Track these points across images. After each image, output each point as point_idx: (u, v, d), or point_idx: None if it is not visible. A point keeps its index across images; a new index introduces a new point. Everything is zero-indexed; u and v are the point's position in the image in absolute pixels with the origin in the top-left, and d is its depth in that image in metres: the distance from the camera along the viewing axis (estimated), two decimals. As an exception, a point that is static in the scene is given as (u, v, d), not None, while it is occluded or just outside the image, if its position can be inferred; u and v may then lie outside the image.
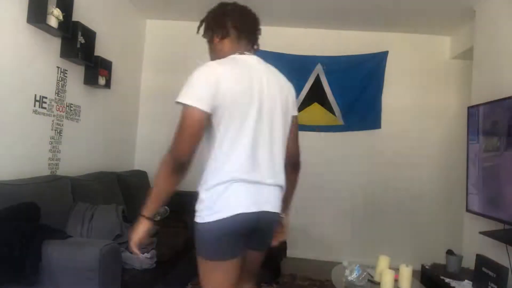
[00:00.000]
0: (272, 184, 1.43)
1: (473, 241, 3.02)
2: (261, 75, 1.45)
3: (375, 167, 4.23)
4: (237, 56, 1.45)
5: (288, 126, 1.53)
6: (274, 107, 1.45)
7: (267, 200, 1.41)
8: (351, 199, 4.25)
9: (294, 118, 1.60)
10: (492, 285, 2.19)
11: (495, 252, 2.60)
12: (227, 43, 1.50)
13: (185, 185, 3.96)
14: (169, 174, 1.34)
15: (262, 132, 1.39)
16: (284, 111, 1.50)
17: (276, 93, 1.48)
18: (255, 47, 1.60)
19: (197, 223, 1.38)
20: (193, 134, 1.30)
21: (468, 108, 3.09)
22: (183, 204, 3.71)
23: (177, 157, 1.31)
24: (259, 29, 1.59)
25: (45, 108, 2.72)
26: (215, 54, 1.53)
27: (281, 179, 1.47)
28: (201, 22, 1.59)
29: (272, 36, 4.34)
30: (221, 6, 1.53)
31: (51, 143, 2.83)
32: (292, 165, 1.60)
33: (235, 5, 1.54)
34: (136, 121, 4.42)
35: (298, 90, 4.27)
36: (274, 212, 1.44)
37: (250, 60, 1.47)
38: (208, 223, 1.34)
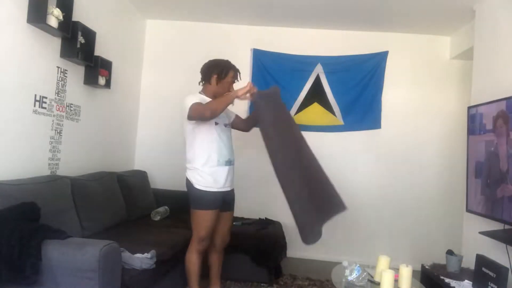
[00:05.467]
0: None
1: (473, 241, 3.02)
2: None
3: (375, 167, 4.23)
4: None
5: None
6: None
7: None
8: (351, 199, 4.22)
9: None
10: (492, 285, 2.19)
11: (495, 252, 2.60)
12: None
13: (185, 187, 3.92)
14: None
15: None
16: None
17: None
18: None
19: None
20: None
21: (468, 108, 3.09)
22: (183, 204, 3.74)
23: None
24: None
25: (45, 108, 2.72)
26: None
27: None
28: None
29: (272, 36, 4.36)
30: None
31: (51, 143, 2.83)
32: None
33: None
34: (136, 121, 4.42)
35: (298, 90, 4.27)
36: None
37: None
38: None
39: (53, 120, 2.82)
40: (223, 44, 4.36)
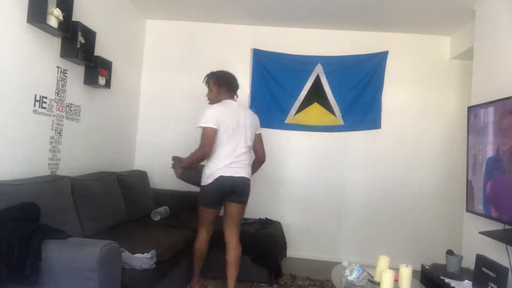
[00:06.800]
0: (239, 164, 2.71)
1: (473, 241, 3.03)
2: (239, 111, 2.77)
3: (375, 167, 4.23)
4: (227, 101, 2.79)
5: (252, 137, 2.82)
6: (244, 127, 2.75)
7: (235, 171, 2.69)
8: (351, 199, 4.26)
9: (258, 134, 2.91)
10: (492, 285, 2.19)
11: (495, 252, 2.60)
12: (220, 93, 2.82)
13: (185, 187, 3.95)
14: (198, 159, 2.72)
15: (237, 139, 2.71)
16: (250, 130, 2.79)
17: (246, 120, 2.78)
18: (235, 97, 2.89)
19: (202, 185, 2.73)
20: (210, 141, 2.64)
21: (468, 108, 3.09)
22: (182, 204, 3.74)
23: (203, 153, 2.67)
24: (236, 85, 2.89)
25: (45, 108, 2.72)
26: (213, 98, 2.85)
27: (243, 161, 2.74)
28: (206, 77, 2.89)
29: (272, 36, 4.36)
30: (217, 72, 2.89)
31: (51, 143, 2.83)
32: (258, 159, 2.97)
33: (223, 72, 2.90)
34: (136, 121, 4.42)
35: (298, 90, 4.28)
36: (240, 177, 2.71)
37: (233, 103, 2.80)
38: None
39: (53, 120, 2.82)
40: (223, 44, 4.37)
